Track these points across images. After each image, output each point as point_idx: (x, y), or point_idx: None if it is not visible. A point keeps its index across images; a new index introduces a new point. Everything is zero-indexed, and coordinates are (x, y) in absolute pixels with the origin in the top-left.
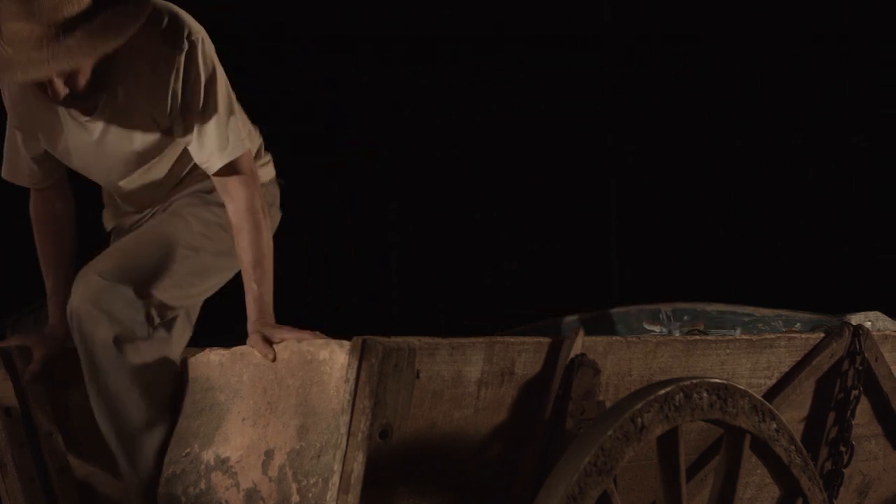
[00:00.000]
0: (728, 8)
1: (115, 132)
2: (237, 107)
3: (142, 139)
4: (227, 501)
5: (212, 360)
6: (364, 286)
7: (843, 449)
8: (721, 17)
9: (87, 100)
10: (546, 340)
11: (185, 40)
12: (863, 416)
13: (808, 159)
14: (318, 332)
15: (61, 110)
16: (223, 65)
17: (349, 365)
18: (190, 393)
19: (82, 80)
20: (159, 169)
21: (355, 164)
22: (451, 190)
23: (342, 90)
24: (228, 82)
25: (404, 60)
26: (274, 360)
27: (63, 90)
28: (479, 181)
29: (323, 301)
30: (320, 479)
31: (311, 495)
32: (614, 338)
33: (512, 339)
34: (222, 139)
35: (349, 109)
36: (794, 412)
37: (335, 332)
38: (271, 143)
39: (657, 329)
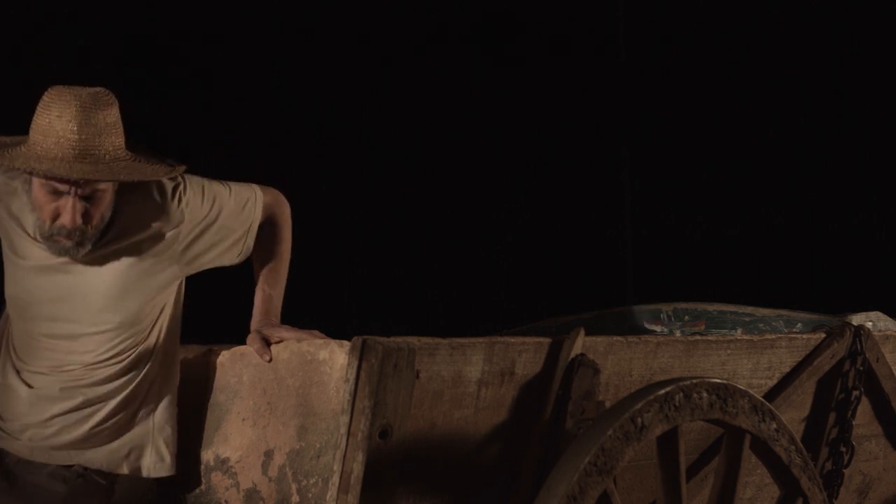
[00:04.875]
0: (729, 6)
1: (95, 273)
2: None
3: (122, 281)
4: (227, 501)
5: (212, 361)
6: (363, 287)
7: (843, 449)
8: (723, 16)
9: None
10: (546, 340)
11: (172, 184)
12: (863, 416)
13: (809, 159)
14: (317, 332)
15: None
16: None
17: (349, 365)
18: (190, 393)
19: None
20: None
21: (358, 162)
22: (449, 191)
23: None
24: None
25: (404, 60)
26: (270, 360)
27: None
28: (479, 182)
29: (322, 301)
30: (320, 480)
31: (310, 495)
32: (614, 338)
33: (512, 339)
34: (247, 200)
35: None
36: (794, 412)
37: (334, 332)
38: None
39: (658, 329)
